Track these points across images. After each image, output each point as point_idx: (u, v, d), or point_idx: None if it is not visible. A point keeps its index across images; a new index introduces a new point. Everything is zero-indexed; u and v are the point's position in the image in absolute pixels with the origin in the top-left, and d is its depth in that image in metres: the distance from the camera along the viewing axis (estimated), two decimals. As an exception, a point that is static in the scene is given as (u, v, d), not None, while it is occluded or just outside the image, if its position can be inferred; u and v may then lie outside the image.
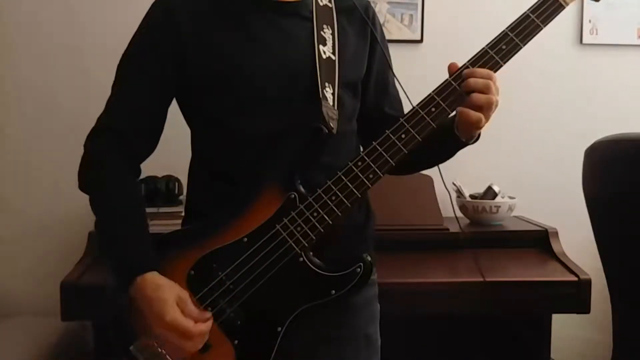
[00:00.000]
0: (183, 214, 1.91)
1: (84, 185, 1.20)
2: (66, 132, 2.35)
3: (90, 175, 1.19)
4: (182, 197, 2.06)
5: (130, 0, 2.33)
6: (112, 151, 1.18)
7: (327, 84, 1.16)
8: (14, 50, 2.35)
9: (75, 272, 1.84)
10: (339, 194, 1.10)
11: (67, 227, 2.30)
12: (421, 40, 2.42)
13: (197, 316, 1.07)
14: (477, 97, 1.09)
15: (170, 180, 2.00)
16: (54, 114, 2.35)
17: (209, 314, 1.09)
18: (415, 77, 2.24)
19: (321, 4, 1.22)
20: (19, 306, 2.32)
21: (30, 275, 2.34)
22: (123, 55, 1.22)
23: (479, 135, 1.20)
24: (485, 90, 1.09)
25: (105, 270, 1.85)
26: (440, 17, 2.42)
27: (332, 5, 1.24)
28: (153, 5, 1.21)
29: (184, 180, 2.03)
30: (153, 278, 1.09)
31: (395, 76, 1.33)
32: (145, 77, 1.18)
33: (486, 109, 1.10)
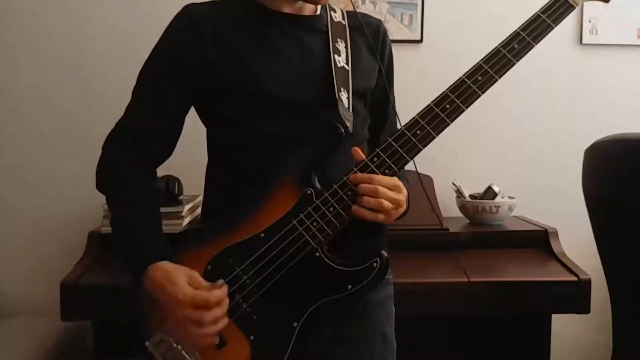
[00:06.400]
0: (183, 214, 1.94)
1: (100, 185, 1.23)
2: (66, 133, 2.36)
3: (105, 175, 1.23)
4: (182, 197, 2.06)
5: (130, 1, 2.34)
6: (127, 152, 1.21)
7: (342, 89, 1.20)
8: (13, 51, 2.35)
9: (75, 272, 1.84)
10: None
11: (67, 227, 2.31)
12: (421, 40, 2.42)
13: (210, 287, 1.08)
14: (366, 200, 1.11)
15: (170, 180, 2.00)
16: (54, 114, 2.36)
17: (221, 281, 1.09)
18: (415, 77, 2.27)
19: (335, 20, 1.28)
20: (19, 306, 2.33)
21: (30, 275, 2.35)
22: (145, 61, 1.24)
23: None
24: (373, 194, 1.11)
25: (107, 270, 1.86)
26: (440, 17, 2.42)
27: (345, 22, 1.29)
28: (176, 16, 1.24)
29: (184, 181, 2.05)
30: (163, 266, 1.10)
31: (393, 98, 1.35)
32: (165, 84, 1.21)
33: (383, 211, 1.12)
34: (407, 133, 1.13)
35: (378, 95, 1.32)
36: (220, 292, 1.08)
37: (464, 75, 1.15)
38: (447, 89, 1.14)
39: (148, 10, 2.31)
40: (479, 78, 1.14)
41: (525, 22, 1.17)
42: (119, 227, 1.19)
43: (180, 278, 1.07)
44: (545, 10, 1.17)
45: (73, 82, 2.35)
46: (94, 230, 2.01)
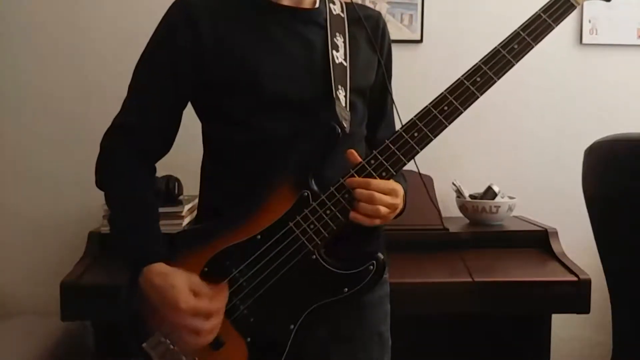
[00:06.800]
0: (183, 214, 1.94)
1: (98, 182, 1.23)
2: (66, 133, 2.36)
3: (103, 172, 1.22)
4: (182, 197, 2.06)
5: (131, 1, 2.34)
6: (124, 148, 1.20)
7: (339, 87, 1.18)
8: (13, 51, 2.35)
9: (75, 272, 1.84)
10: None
11: (67, 227, 2.31)
12: (421, 40, 2.42)
13: (211, 294, 1.07)
14: (363, 207, 1.10)
15: (170, 180, 2.00)
16: (54, 114, 2.36)
17: (222, 285, 1.09)
18: (415, 77, 2.27)
19: (334, 13, 1.26)
20: (19, 306, 2.33)
21: (30, 275, 2.35)
22: (141, 55, 1.23)
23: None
24: (370, 201, 1.10)
25: (107, 270, 1.86)
26: (440, 17, 2.42)
27: (344, 15, 1.27)
28: (172, 7, 1.22)
29: (184, 180, 2.05)
30: (160, 267, 1.09)
31: (391, 94, 1.33)
32: (161, 77, 1.20)
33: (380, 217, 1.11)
34: (405, 135, 1.11)
35: (376, 90, 1.30)
36: (220, 302, 1.07)
37: (462, 76, 1.13)
38: (445, 91, 1.13)
39: (149, 10, 2.30)
40: (478, 79, 1.12)
41: (525, 21, 1.15)
42: (116, 225, 1.18)
43: (179, 281, 1.06)
44: (545, 9, 1.15)
45: (73, 82, 2.35)
46: (94, 230, 2.01)
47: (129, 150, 1.19)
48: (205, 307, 1.05)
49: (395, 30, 2.37)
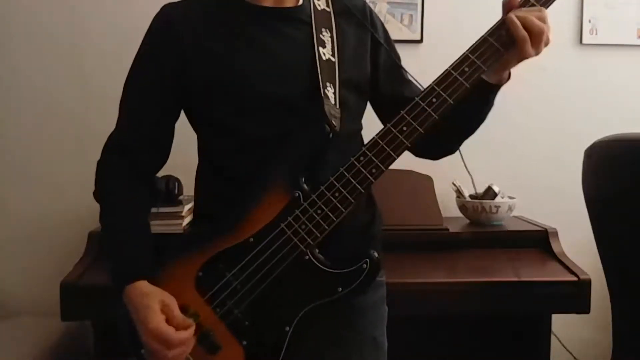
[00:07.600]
0: (183, 214, 1.94)
1: (95, 196, 1.24)
2: (66, 132, 2.36)
3: (99, 189, 1.23)
4: (182, 197, 2.06)
5: (131, 1, 2.34)
6: (120, 167, 1.21)
7: (328, 84, 1.17)
8: (13, 51, 2.35)
9: (75, 272, 1.84)
10: (342, 190, 1.10)
11: (67, 227, 2.31)
12: (421, 40, 2.42)
13: (179, 323, 1.08)
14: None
15: (170, 180, 2.00)
16: (54, 114, 2.36)
17: (190, 321, 1.09)
18: (415, 77, 2.26)
19: (319, 8, 1.24)
20: (19, 306, 2.33)
21: (30, 275, 2.35)
22: (129, 72, 1.24)
23: (509, 76, 1.18)
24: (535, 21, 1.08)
25: (107, 270, 1.86)
26: (440, 17, 2.42)
27: (330, 9, 1.26)
28: (153, 20, 1.23)
29: (184, 180, 2.05)
30: (141, 286, 1.11)
31: (406, 71, 1.32)
32: (151, 92, 1.21)
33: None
34: (393, 130, 1.10)
35: (390, 70, 1.29)
36: (186, 334, 1.07)
37: (449, 67, 1.11)
38: (433, 83, 1.11)
39: (149, 10, 2.30)
40: (466, 69, 1.11)
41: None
42: (105, 241, 1.20)
43: (154, 302, 1.07)
44: None
45: (73, 82, 2.35)
46: (94, 230, 2.01)
47: (124, 168, 1.20)
48: (166, 337, 1.05)
49: (395, 30, 2.37)
